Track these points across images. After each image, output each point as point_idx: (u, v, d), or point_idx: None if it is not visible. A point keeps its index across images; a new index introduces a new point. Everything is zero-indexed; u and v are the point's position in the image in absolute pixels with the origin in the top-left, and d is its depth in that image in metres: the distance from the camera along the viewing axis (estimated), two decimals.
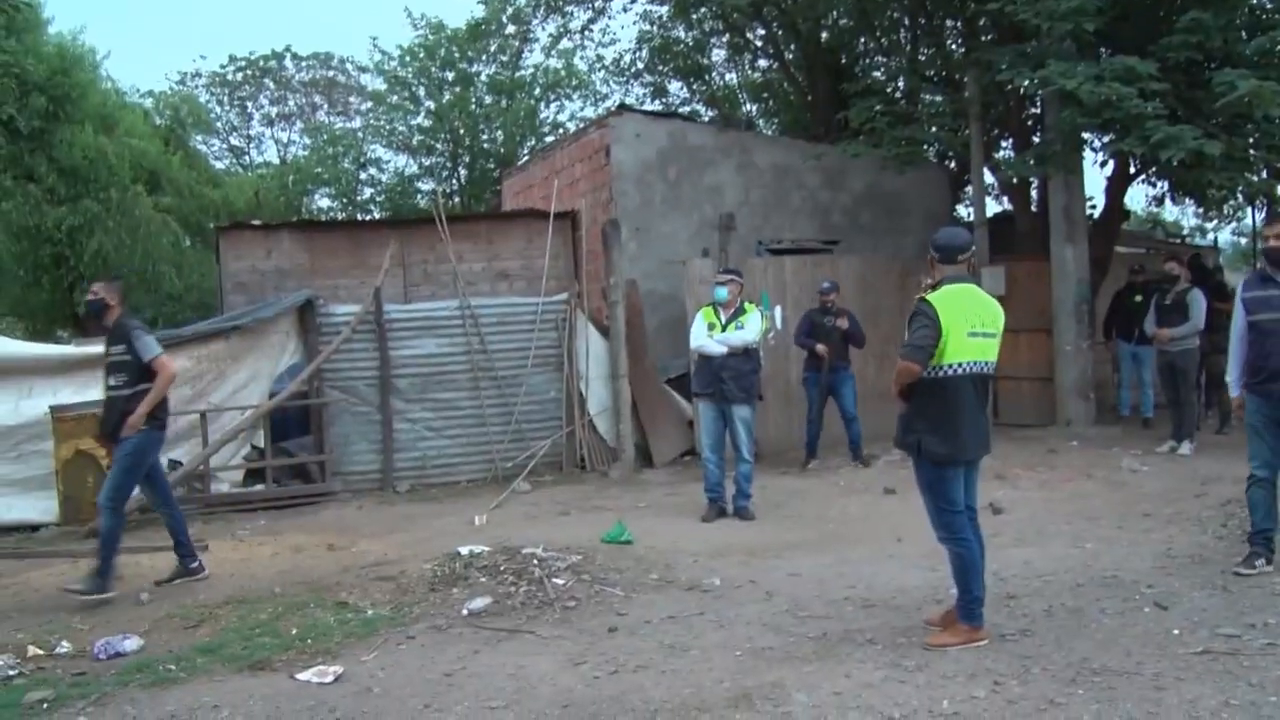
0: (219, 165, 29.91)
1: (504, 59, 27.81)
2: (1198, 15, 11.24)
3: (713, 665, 5.36)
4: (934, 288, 5.45)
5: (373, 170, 29.19)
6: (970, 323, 5.38)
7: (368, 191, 29.18)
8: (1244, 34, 12.01)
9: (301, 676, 5.40)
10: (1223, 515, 8.35)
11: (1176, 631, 5.55)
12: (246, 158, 33.05)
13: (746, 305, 9.48)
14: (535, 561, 7.26)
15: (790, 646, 5.62)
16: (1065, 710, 4.57)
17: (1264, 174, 13.63)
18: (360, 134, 29.64)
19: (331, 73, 32.47)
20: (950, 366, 5.34)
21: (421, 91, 27.47)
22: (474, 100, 26.86)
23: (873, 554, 7.72)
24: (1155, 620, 5.77)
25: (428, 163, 28.14)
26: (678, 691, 4.99)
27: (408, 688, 5.22)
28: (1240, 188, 13.91)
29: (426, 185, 27.58)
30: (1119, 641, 5.44)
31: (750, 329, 9.29)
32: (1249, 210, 19.55)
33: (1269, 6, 12.36)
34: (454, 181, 27.83)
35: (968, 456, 5.55)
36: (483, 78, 27.53)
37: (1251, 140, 12.32)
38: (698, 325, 9.47)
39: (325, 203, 29.58)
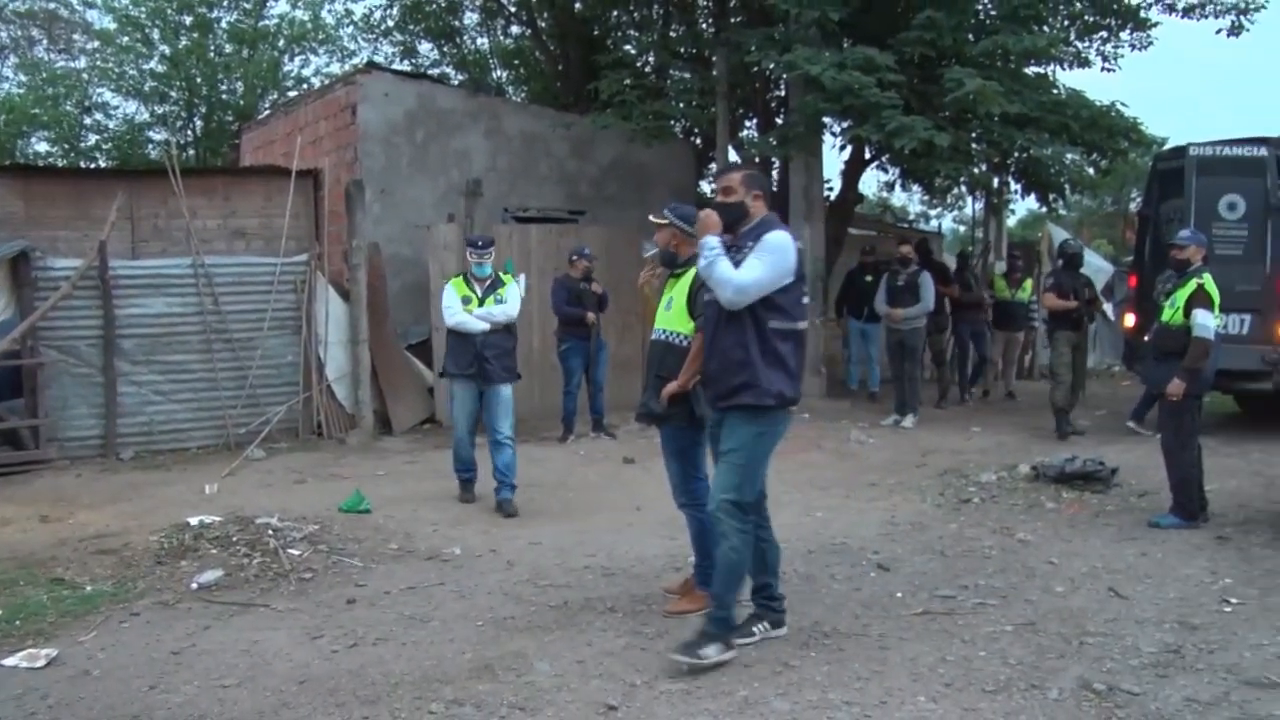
0: None
1: (247, 6, 26.50)
2: (932, 14, 11.91)
3: (454, 636, 5.31)
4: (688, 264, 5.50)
5: (99, 115, 27.31)
6: None
7: (93, 138, 27.24)
8: (972, 36, 12.75)
9: (9, 661, 5.01)
10: (941, 484, 8.91)
11: (899, 594, 5.88)
12: None
13: (503, 275, 8.72)
14: (270, 532, 7.00)
15: (532, 616, 5.62)
16: (799, 672, 4.75)
17: (984, 167, 14.57)
18: (85, 75, 27.67)
19: (52, 5, 30.07)
20: None
21: (156, 34, 25.84)
22: (213, 48, 25.51)
23: (612, 523, 7.82)
24: (880, 584, 6.10)
25: (161, 111, 26.51)
26: (419, 663, 4.92)
27: (131, 668, 4.93)
28: (963, 178, 14.83)
29: (159, 135, 25.98)
30: (847, 605, 5.71)
31: (512, 302, 8.51)
32: (969, 199, 20.84)
33: (994, 13, 13.16)
34: (189, 133, 26.37)
35: None
36: (223, 25, 26.14)
37: (975, 135, 13.18)
38: (451, 299, 8.43)
39: (43, 147, 27.41)
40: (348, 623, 5.54)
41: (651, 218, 5.63)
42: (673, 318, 5.54)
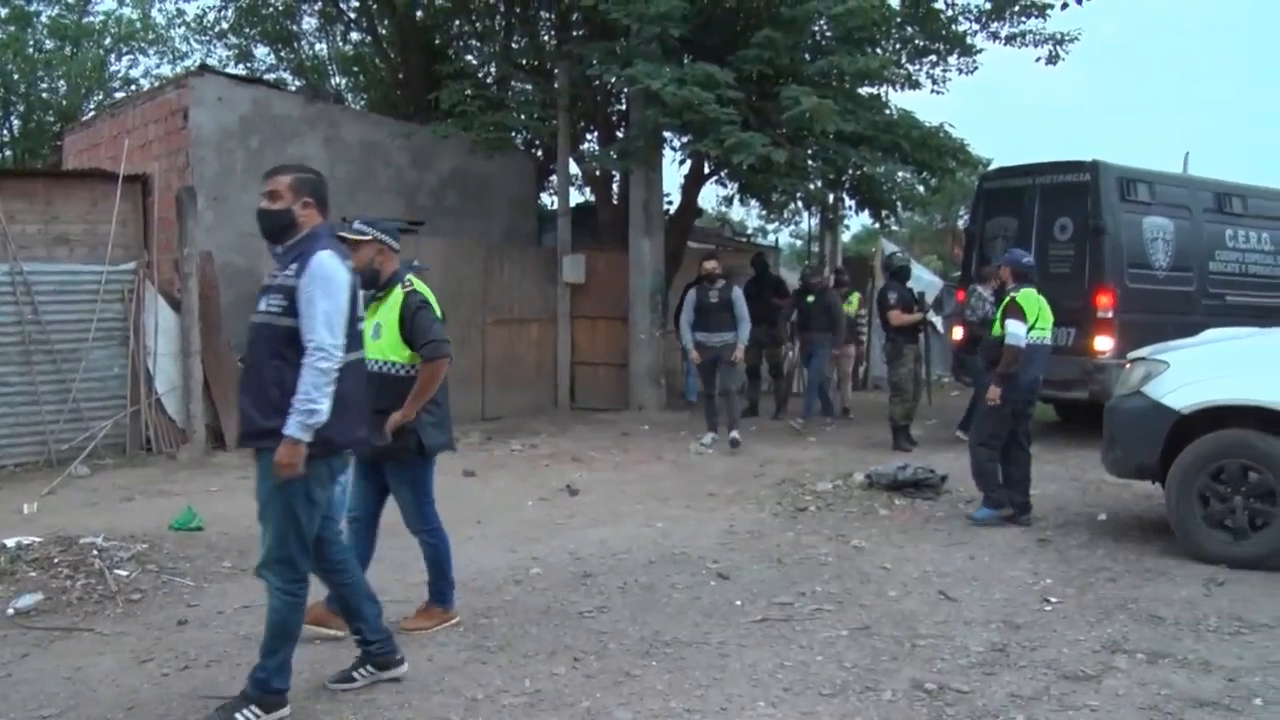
0: None
1: (70, 1, 25.50)
2: (770, 34, 12.18)
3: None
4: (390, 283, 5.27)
5: None
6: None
7: None
8: (808, 56, 13.09)
9: None
10: (778, 494, 9.09)
11: (739, 602, 5.97)
12: None
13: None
14: (95, 552, 6.70)
15: None
16: (640, 681, 4.78)
17: (819, 183, 14.95)
18: None
19: None
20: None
21: None
22: (32, 43, 24.43)
23: (453, 536, 7.63)
24: (720, 592, 6.18)
25: None
26: None
27: None
28: (800, 194, 15.20)
29: None
30: (688, 614, 5.77)
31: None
32: (806, 215, 21.31)
33: (829, 35, 13.52)
34: (5, 132, 25.19)
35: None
36: (44, 19, 25.07)
37: (811, 152, 13.53)
38: None
39: None
40: (179, 644, 5.35)
41: (343, 234, 5.05)
42: (385, 346, 5.24)
